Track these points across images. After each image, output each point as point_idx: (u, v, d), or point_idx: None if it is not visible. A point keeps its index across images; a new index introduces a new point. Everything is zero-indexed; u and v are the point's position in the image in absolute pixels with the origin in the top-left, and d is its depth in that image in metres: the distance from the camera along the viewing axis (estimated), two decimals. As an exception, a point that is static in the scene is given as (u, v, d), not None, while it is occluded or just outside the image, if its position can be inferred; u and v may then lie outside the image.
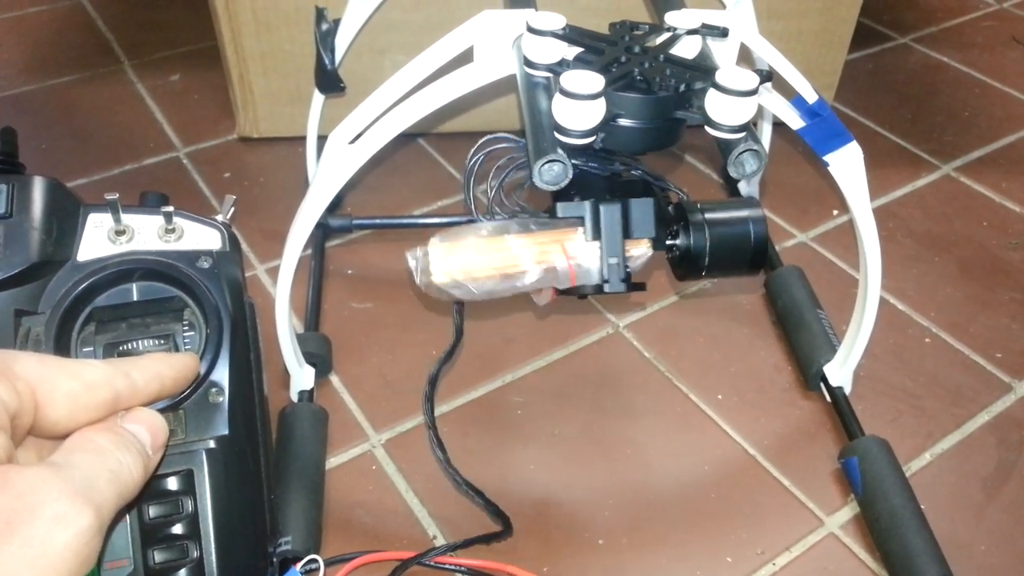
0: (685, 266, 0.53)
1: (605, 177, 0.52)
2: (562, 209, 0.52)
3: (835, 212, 0.91)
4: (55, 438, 0.33)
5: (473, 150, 0.53)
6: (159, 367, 0.38)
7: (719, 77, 0.44)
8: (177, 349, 0.48)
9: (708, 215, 0.53)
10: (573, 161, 0.47)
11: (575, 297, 0.55)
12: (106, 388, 0.34)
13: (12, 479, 0.29)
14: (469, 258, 0.51)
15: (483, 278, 0.51)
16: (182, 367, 0.39)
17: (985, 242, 0.88)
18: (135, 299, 0.48)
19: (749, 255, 0.53)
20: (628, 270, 0.52)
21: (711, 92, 0.44)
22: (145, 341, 0.47)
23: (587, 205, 0.51)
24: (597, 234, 0.51)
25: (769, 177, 0.94)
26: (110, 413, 0.34)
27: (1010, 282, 0.84)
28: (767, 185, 0.93)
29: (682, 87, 0.45)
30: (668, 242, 0.53)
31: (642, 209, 0.52)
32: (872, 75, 1.13)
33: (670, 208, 0.54)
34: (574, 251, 0.51)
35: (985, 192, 0.95)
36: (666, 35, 0.51)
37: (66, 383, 0.33)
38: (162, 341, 0.48)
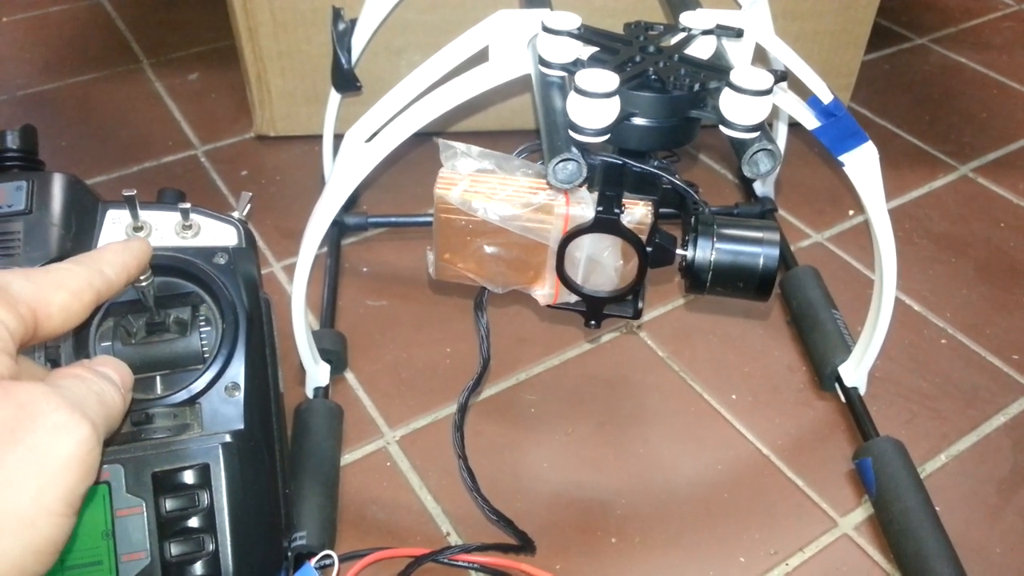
0: (690, 278, 0.52)
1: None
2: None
3: (851, 212, 0.91)
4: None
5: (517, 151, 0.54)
6: (123, 257, 0.39)
7: (734, 76, 0.44)
8: (190, 329, 0.48)
9: (720, 231, 0.51)
10: (609, 158, 0.47)
11: (588, 326, 0.55)
12: (89, 292, 0.36)
13: (13, 391, 0.30)
14: (475, 179, 0.52)
15: (486, 194, 0.51)
16: (140, 252, 0.41)
17: (1002, 244, 0.88)
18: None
19: (755, 282, 0.51)
20: (624, 215, 0.50)
21: (726, 91, 0.44)
22: (164, 329, 0.48)
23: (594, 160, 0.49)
24: (597, 184, 0.50)
25: (785, 177, 0.94)
26: (94, 312, 0.37)
27: (1028, 284, 0.83)
28: (782, 185, 0.93)
29: (696, 86, 0.45)
30: (679, 251, 0.52)
31: (647, 178, 0.50)
32: (889, 76, 1.13)
33: (692, 220, 0.53)
34: (575, 197, 0.51)
35: (1003, 193, 0.94)
36: (681, 35, 0.51)
37: (57, 295, 0.35)
38: (179, 336, 0.48)
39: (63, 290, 0.35)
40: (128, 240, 0.41)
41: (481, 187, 0.52)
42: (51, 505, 0.29)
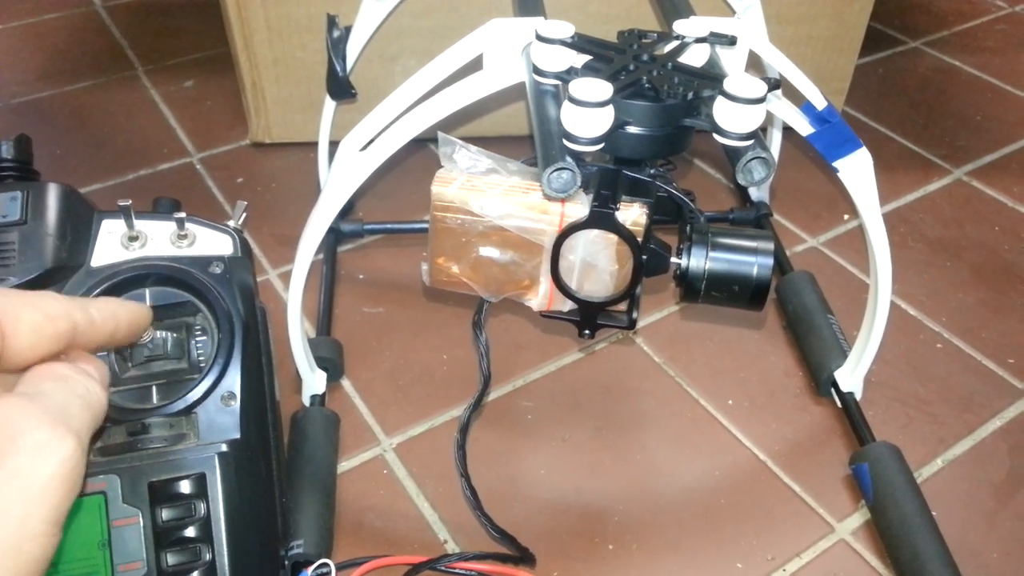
0: (685, 287, 0.52)
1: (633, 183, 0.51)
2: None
3: (846, 217, 0.91)
4: (14, 371, 0.33)
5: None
6: (115, 307, 0.38)
7: (727, 85, 0.44)
8: (189, 354, 0.49)
9: (714, 240, 0.52)
10: (604, 167, 0.47)
11: (582, 336, 0.55)
12: (65, 319, 0.34)
13: None
14: (472, 177, 0.52)
15: (482, 191, 0.52)
16: (136, 312, 0.39)
17: (997, 247, 0.88)
18: (148, 304, 0.49)
19: (749, 291, 0.52)
20: (619, 213, 0.50)
21: (719, 100, 0.44)
22: (161, 333, 0.48)
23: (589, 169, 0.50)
24: (592, 187, 0.50)
25: (780, 181, 0.94)
26: (68, 346, 0.34)
27: (1022, 287, 0.83)
28: (777, 189, 0.93)
29: (690, 95, 0.45)
30: (673, 259, 0.53)
31: (642, 184, 0.51)
32: (883, 79, 1.13)
33: (687, 228, 0.53)
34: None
35: (997, 196, 0.94)
36: (674, 43, 0.51)
37: (29, 314, 0.33)
38: (176, 340, 0.48)
39: (37, 310, 0.33)
40: (130, 301, 0.40)
41: (478, 184, 0.52)
42: (36, 528, 0.28)
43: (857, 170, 0.55)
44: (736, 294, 0.51)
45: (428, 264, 0.55)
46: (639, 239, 0.51)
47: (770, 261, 0.51)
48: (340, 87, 0.76)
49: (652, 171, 0.50)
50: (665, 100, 0.45)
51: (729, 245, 0.51)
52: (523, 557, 0.59)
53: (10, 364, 0.33)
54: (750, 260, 0.51)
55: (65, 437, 0.30)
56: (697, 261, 0.51)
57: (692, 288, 0.52)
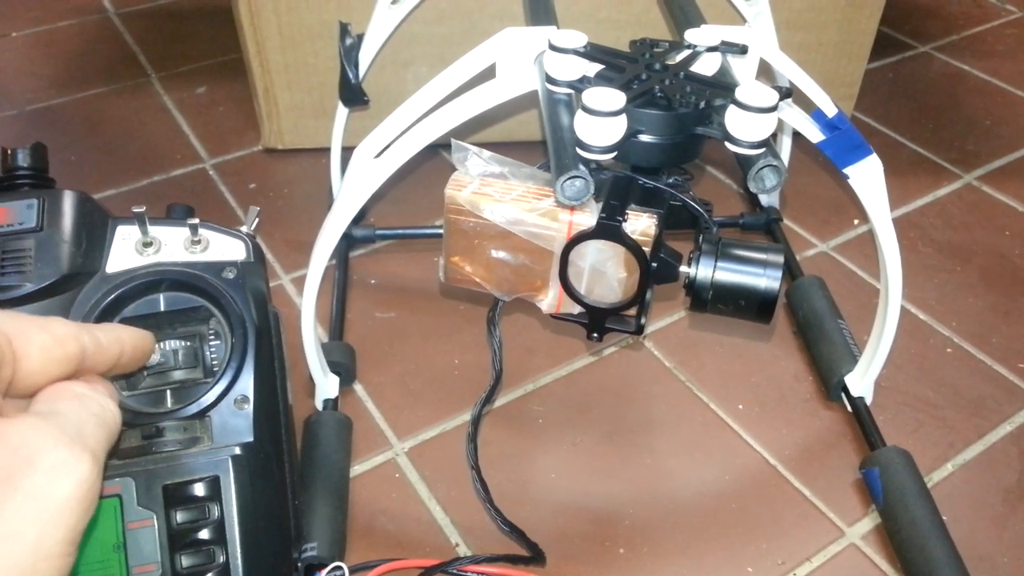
0: (692, 296, 0.53)
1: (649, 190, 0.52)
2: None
3: (856, 222, 0.91)
4: (24, 395, 0.33)
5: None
6: (119, 331, 0.38)
7: (738, 94, 0.44)
8: (204, 358, 0.49)
9: (724, 251, 0.52)
10: (619, 173, 0.47)
11: (590, 339, 0.55)
12: (74, 342, 0.34)
13: (5, 432, 0.29)
14: (484, 182, 0.53)
15: (494, 197, 0.52)
16: (140, 337, 0.39)
17: (1007, 251, 0.88)
18: (162, 309, 0.49)
19: (756, 304, 0.52)
20: (627, 224, 0.50)
21: (731, 108, 0.45)
22: (172, 343, 0.49)
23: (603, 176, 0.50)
24: (605, 195, 0.50)
25: (790, 187, 0.94)
26: (76, 369, 0.34)
27: (1033, 292, 0.83)
28: (787, 195, 0.93)
29: (702, 104, 0.46)
30: (682, 268, 0.53)
31: (654, 192, 0.51)
32: (893, 84, 1.13)
33: (700, 238, 0.53)
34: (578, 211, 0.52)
35: (1007, 201, 0.94)
36: (686, 52, 0.51)
37: (38, 336, 0.32)
38: (189, 349, 0.49)
39: (46, 333, 0.33)
40: (132, 327, 0.40)
41: (490, 190, 0.53)
42: (52, 550, 0.28)
43: (868, 176, 0.55)
44: (743, 307, 0.52)
45: (443, 262, 0.56)
46: (646, 250, 0.51)
47: (778, 274, 0.51)
48: (352, 94, 0.76)
49: (670, 180, 0.50)
50: (677, 109, 0.46)
51: (738, 256, 0.51)
52: (534, 555, 0.60)
53: (21, 387, 0.33)
54: (758, 272, 0.51)
55: (81, 457, 0.29)
56: (705, 271, 0.51)
57: (699, 298, 0.52)
